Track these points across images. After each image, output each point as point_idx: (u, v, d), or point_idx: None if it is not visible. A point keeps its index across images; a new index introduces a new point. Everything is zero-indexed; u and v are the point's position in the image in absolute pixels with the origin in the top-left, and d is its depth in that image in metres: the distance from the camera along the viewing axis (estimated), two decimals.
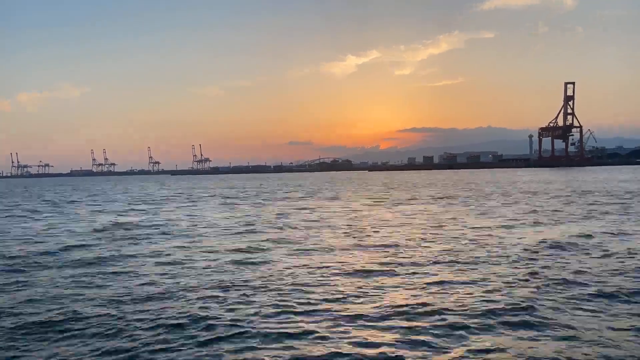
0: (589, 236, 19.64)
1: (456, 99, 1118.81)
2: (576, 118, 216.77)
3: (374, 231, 22.76)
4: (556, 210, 30.55)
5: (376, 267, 14.60)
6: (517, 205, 34.87)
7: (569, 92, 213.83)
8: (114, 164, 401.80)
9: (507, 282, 12.43)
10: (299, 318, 10.08)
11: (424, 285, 12.29)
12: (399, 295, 11.52)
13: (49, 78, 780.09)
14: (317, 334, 9.09)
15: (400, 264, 14.87)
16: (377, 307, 10.63)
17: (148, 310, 10.73)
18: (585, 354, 8.02)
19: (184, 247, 19.39)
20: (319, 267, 14.80)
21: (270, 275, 13.83)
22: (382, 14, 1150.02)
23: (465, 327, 9.25)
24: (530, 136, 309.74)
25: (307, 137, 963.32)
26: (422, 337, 8.81)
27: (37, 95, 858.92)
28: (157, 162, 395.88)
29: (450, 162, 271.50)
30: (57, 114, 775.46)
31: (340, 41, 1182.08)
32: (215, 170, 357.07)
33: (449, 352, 8.17)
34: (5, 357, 8.50)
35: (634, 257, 15.28)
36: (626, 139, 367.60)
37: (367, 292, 11.87)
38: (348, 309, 10.56)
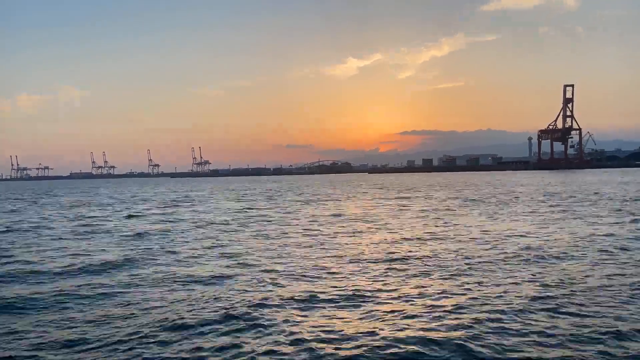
0: None
1: (456, 101, 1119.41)
2: (575, 120, 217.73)
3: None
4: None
5: None
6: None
7: (568, 95, 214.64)
8: (113, 167, 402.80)
9: None
10: None
11: None
12: None
13: (48, 80, 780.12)
14: None
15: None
16: None
17: None
18: None
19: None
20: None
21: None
22: (384, 16, 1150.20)
23: None
24: (530, 139, 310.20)
25: (306, 139, 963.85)
26: None
27: (37, 97, 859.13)
28: (157, 165, 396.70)
29: (449, 165, 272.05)
30: (56, 116, 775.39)
31: (342, 43, 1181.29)
32: (215, 173, 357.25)
33: None
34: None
35: None
36: (625, 142, 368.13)
37: None
38: None
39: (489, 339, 8.66)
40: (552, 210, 31.73)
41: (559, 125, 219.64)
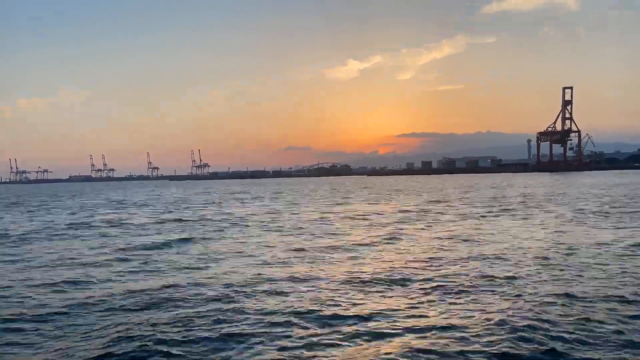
0: None
1: (456, 103, 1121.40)
2: (574, 123, 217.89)
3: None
4: None
5: None
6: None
7: (567, 97, 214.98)
8: (112, 170, 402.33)
9: None
10: None
11: None
12: None
13: (48, 83, 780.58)
14: None
15: None
16: None
17: None
18: None
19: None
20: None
21: None
22: (384, 18, 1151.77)
23: None
24: (529, 141, 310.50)
25: (306, 141, 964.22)
26: None
27: (37, 100, 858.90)
28: (156, 168, 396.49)
29: (449, 167, 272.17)
30: (55, 118, 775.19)
31: (342, 45, 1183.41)
32: (214, 176, 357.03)
33: None
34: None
35: None
36: (625, 144, 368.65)
37: None
38: None
39: None
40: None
41: (558, 127, 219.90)
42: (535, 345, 8.64)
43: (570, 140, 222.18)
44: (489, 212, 34.38)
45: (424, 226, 27.04)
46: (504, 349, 8.49)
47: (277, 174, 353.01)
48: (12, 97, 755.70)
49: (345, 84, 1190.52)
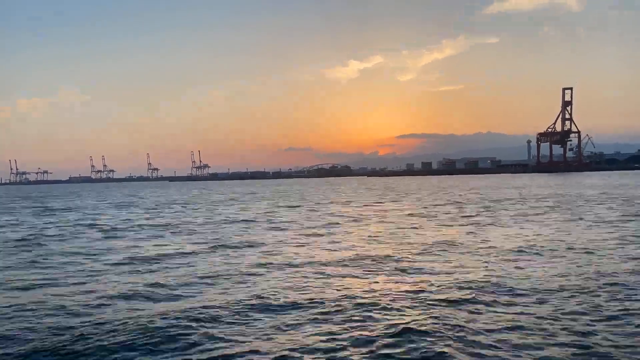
0: None
1: (456, 104, 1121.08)
2: (574, 123, 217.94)
3: None
4: None
5: None
6: None
7: (567, 98, 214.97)
8: (112, 171, 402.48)
9: None
10: None
11: None
12: None
13: (48, 83, 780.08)
14: None
15: None
16: None
17: None
18: None
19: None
20: None
21: None
22: (385, 18, 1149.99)
23: None
24: (529, 141, 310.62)
25: (306, 142, 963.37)
26: None
27: (37, 100, 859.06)
28: (156, 169, 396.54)
29: (448, 168, 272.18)
30: (55, 119, 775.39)
31: (343, 45, 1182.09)
32: (214, 177, 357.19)
33: None
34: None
35: None
36: (624, 144, 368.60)
37: None
38: None
39: None
40: None
41: (558, 128, 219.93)
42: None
43: (570, 141, 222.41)
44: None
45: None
46: None
47: (277, 175, 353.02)
48: (12, 97, 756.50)
49: (345, 85, 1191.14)
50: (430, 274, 14.33)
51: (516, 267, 14.97)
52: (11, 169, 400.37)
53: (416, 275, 14.23)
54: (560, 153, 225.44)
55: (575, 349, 8.36)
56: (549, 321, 9.71)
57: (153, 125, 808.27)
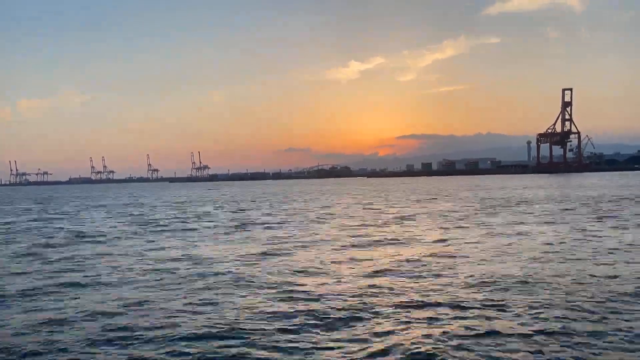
0: None
1: (456, 105, 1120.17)
2: (574, 124, 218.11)
3: None
4: None
5: None
6: None
7: (567, 98, 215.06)
8: (112, 172, 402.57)
9: None
10: None
11: None
12: None
13: (48, 83, 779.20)
14: None
15: None
16: None
17: None
18: None
19: None
20: None
21: None
22: (387, 19, 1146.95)
23: None
24: (529, 142, 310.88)
25: (306, 143, 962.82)
26: None
27: (37, 101, 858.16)
28: (156, 170, 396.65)
29: (448, 169, 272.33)
30: (55, 120, 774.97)
31: (344, 47, 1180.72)
32: (214, 178, 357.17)
33: None
34: None
35: None
36: (624, 145, 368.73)
37: None
38: None
39: None
40: None
41: (558, 129, 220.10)
42: None
43: (570, 141, 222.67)
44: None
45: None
46: None
47: (277, 175, 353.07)
48: (12, 98, 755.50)
49: (346, 85, 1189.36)
50: None
51: None
52: (11, 170, 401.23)
53: None
54: (560, 154, 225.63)
55: None
56: None
57: (153, 126, 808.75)
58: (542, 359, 8.20)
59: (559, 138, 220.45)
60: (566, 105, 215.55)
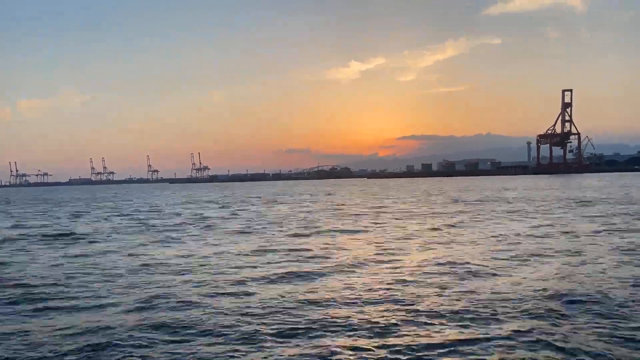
0: None
1: (457, 105, 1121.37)
2: (574, 125, 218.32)
3: None
4: None
5: None
6: None
7: (567, 99, 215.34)
8: (112, 173, 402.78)
9: None
10: None
11: None
12: None
13: (48, 84, 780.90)
14: None
15: None
16: None
17: None
18: None
19: None
20: None
21: None
22: (388, 19, 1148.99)
23: None
24: (529, 143, 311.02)
25: (306, 143, 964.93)
26: None
27: (37, 101, 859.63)
28: (156, 171, 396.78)
29: (448, 170, 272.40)
30: (56, 121, 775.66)
31: (345, 47, 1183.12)
32: (214, 179, 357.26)
33: None
34: None
35: None
36: (624, 146, 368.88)
37: None
38: None
39: None
40: None
41: (558, 129, 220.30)
42: None
43: (570, 142, 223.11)
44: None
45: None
46: None
47: (277, 176, 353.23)
48: (12, 98, 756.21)
49: (346, 86, 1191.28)
50: None
51: None
52: (11, 171, 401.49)
53: None
54: (560, 155, 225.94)
55: None
56: None
57: (153, 126, 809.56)
58: None
59: (559, 139, 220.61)
60: (566, 106, 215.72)
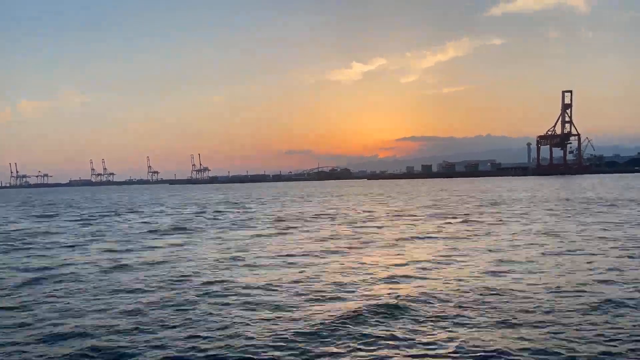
0: None
1: (457, 106, 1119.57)
2: (574, 126, 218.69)
3: None
4: None
5: None
6: None
7: (567, 100, 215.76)
8: (112, 174, 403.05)
9: None
10: None
11: None
12: None
13: (48, 85, 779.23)
14: None
15: None
16: None
17: None
18: None
19: None
20: None
21: None
22: (390, 20, 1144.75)
23: None
24: (529, 144, 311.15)
25: (306, 145, 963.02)
26: None
27: (37, 102, 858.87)
28: (156, 172, 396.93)
29: (448, 171, 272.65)
30: (56, 121, 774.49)
31: (346, 48, 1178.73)
32: (214, 180, 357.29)
33: None
34: None
35: None
36: (624, 147, 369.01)
37: None
38: None
39: None
40: None
41: (558, 131, 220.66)
42: None
43: (570, 143, 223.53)
44: None
45: None
46: None
47: (278, 178, 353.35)
48: (12, 98, 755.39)
49: (348, 87, 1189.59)
50: None
51: None
52: (11, 172, 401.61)
53: None
54: (560, 156, 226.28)
55: None
56: None
57: (153, 127, 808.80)
58: None
59: (559, 140, 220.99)
60: (566, 107, 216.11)
